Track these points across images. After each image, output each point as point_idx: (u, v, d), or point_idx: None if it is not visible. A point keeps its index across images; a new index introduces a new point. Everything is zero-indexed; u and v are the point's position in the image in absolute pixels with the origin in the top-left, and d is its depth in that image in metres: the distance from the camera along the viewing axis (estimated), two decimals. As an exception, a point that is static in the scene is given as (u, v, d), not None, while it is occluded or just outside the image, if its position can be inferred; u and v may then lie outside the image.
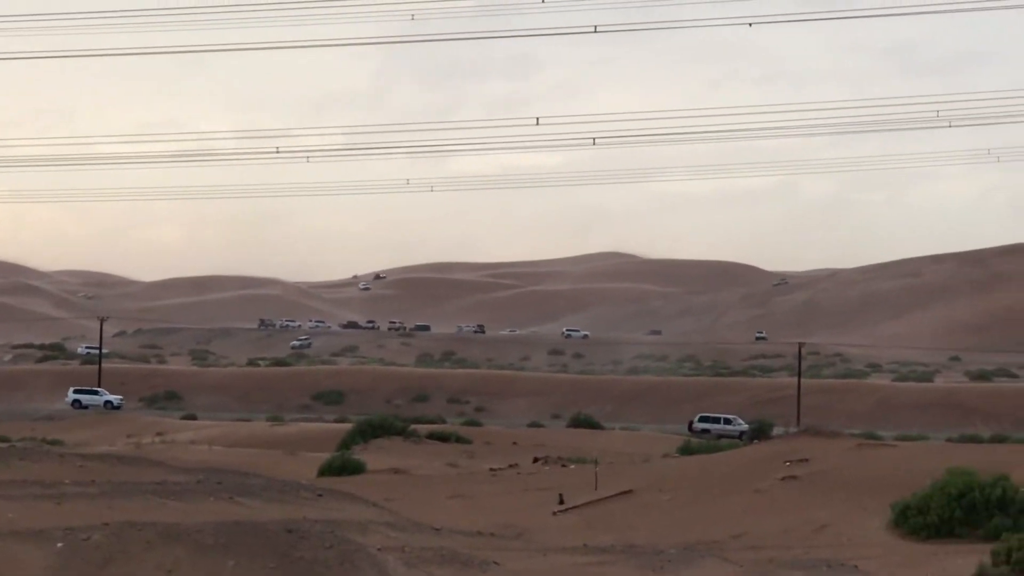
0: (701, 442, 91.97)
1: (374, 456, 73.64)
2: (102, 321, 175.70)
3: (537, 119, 63.78)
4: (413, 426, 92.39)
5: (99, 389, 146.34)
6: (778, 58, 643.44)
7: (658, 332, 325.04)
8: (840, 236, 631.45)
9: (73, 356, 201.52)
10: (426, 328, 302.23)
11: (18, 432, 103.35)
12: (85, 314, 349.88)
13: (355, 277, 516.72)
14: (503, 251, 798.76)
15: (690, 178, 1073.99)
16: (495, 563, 29.66)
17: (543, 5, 57.98)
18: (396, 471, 65.30)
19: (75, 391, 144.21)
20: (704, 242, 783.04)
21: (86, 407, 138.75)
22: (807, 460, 52.89)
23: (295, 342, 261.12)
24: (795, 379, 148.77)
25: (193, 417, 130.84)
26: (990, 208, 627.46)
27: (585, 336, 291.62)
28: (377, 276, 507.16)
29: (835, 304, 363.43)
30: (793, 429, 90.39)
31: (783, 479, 50.09)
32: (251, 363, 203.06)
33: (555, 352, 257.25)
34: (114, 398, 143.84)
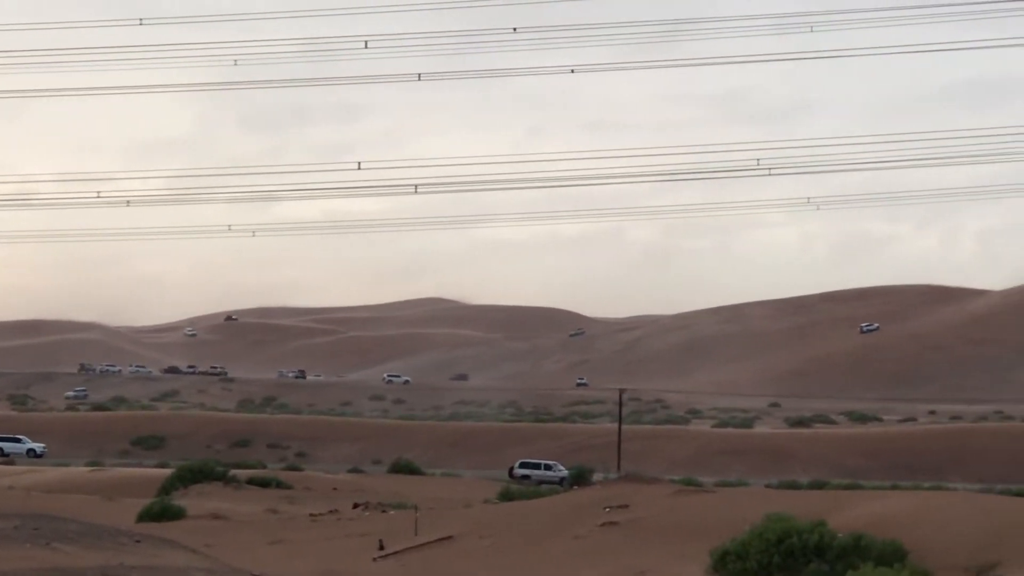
0: (521, 488, 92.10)
1: (194, 501, 72.83)
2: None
3: (359, 164, 63.66)
4: (233, 471, 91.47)
5: (21, 437, 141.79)
6: (603, 105, 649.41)
7: (464, 377, 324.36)
8: (665, 282, 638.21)
9: None
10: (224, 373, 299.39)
11: None
12: None
13: (191, 321, 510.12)
14: (326, 296, 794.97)
15: (514, 224, 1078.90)
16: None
17: (368, 51, 57.99)
18: (216, 516, 64.68)
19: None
20: (528, 288, 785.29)
21: (7, 455, 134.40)
22: (627, 506, 53.29)
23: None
24: (616, 425, 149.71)
25: (11, 462, 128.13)
26: (811, 255, 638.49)
27: (406, 381, 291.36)
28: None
29: (658, 350, 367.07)
30: (613, 475, 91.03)
31: (603, 525, 50.41)
32: (70, 408, 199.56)
33: (376, 397, 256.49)
34: (36, 446, 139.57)
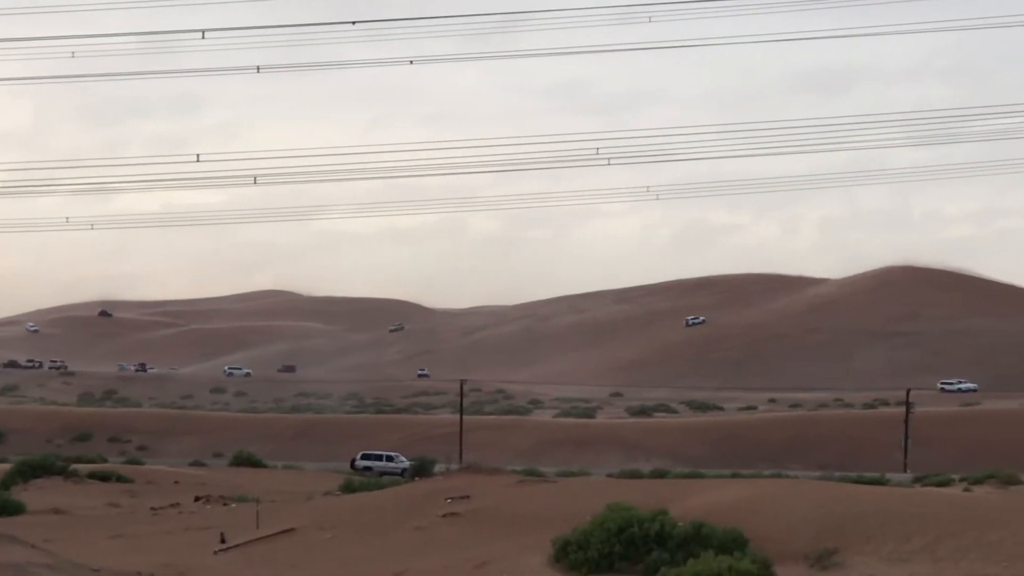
0: (363, 480, 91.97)
1: (34, 496, 71.84)
2: None
3: (198, 156, 63.11)
4: (74, 465, 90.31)
5: None
6: (443, 97, 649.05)
7: (292, 369, 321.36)
8: (507, 273, 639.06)
9: None
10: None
11: None
12: None
13: (32, 316, 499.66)
14: (166, 289, 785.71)
15: (355, 216, 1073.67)
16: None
17: (205, 43, 57.59)
18: (56, 511, 63.92)
19: None
20: (369, 280, 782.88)
21: None
22: (468, 497, 53.49)
23: None
24: (457, 416, 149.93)
25: None
26: (652, 245, 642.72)
27: (247, 374, 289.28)
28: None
29: (499, 341, 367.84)
30: (455, 466, 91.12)
31: (445, 516, 50.55)
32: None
33: (217, 390, 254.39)
34: None
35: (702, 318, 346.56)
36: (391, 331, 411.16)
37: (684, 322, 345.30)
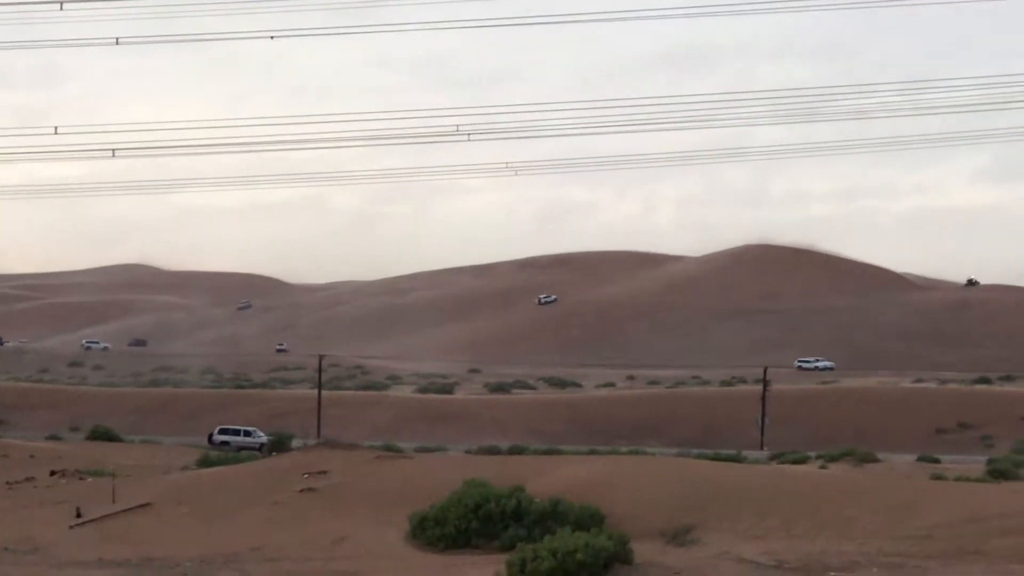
0: (221, 454, 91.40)
1: None
2: None
3: (56, 128, 62.21)
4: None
5: None
6: (306, 71, 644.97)
7: (142, 343, 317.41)
8: (368, 248, 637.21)
9: None
10: None
11: None
12: None
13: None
14: (22, 263, 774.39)
15: (215, 190, 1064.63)
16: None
17: (64, 14, 56.76)
18: (-97, 488, 62.82)
19: None
20: (231, 254, 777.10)
21: None
22: (326, 472, 53.38)
23: None
24: (315, 391, 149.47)
25: None
26: (512, 222, 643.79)
27: (105, 348, 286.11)
28: None
29: (359, 316, 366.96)
30: (312, 441, 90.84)
31: (302, 491, 50.40)
32: None
33: (75, 364, 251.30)
34: None
35: (554, 296, 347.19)
36: (239, 309, 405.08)
37: (536, 300, 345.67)
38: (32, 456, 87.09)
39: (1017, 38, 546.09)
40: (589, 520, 39.93)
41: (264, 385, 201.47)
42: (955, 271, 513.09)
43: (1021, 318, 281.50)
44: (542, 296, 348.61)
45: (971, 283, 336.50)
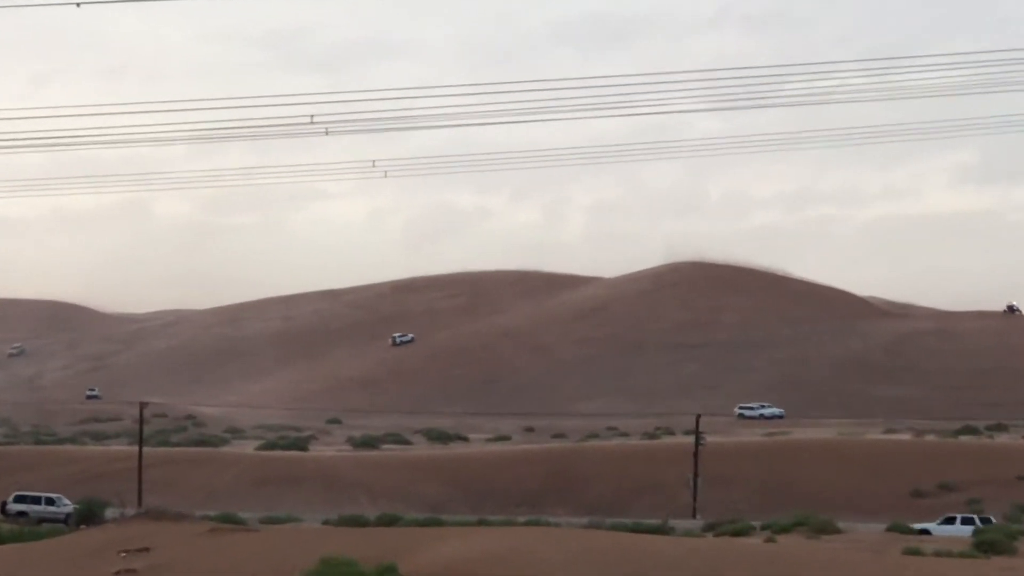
0: (16, 528, 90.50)
1: None
2: None
3: None
4: None
5: None
6: (126, 48, 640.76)
7: None
8: (200, 268, 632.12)
9: None
10: None
11: None
12: None
13: None
14: None
15: (8, 195, 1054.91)
16: None
17: None
18: None
19: None
20: (26, 276, 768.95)
21: None
22: (148, 550, 52.94)
23: None
24: (135, 447, 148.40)
25: None
26: (380, 234, 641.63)
27: None
28: None
29: (191, 354, 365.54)
30: (131, 511, 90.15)
31: (118, 574, 49.95)
32: None
33: None
34: None
35: (411, 336, 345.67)
36: (9, 355, 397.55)
37: (391, 340, 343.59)
38: None
39: (1008, 6, 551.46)
40: (479, 609, 39.83)
41: (71, 440, 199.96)
42: (932, 294, 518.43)
43: (1012, 352, 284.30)
44: (397, 335, 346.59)
45: (1012, 310, 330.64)
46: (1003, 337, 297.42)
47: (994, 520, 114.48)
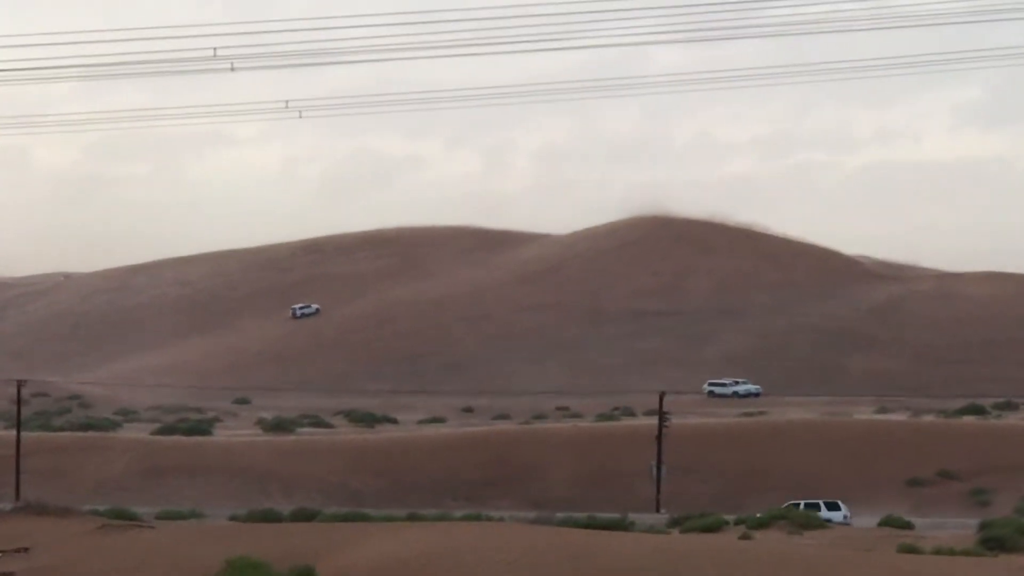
0: None
1: None
2: None
3: None
4: None
5: None
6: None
7: None
8: (85, 225, 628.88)
9: None
10: None
11: None
12: None
13: None
14: None
15: None
16: None
17: None
18: None
19: None
20: None
21: None
22: (27, 550, 52.92)
23: None
24: (12, 432, 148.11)
25: None
26: (294, 185, 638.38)
27: None
28: None
29: (75, 324, 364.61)
30: (9, 505, 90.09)
31: (-7, 579, 49.96)
32: None
33: None
34: None
35: (315, 307, 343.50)
36: None
37: (291, 312, 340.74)
38: None
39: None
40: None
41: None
42: (931, 253, 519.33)
43: (1023, 320, 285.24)
44: (297, 307, 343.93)
45: None
46: (1012, 303, 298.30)
47: (843, 507, 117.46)
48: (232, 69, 66.08)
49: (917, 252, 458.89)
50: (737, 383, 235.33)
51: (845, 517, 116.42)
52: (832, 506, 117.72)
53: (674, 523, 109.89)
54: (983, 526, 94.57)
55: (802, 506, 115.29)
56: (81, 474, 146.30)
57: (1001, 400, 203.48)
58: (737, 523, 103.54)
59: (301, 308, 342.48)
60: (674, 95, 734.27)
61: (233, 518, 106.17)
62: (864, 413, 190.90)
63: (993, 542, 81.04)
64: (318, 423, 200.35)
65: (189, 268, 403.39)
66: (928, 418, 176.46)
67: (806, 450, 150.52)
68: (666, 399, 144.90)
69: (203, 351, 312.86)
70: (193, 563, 46.06)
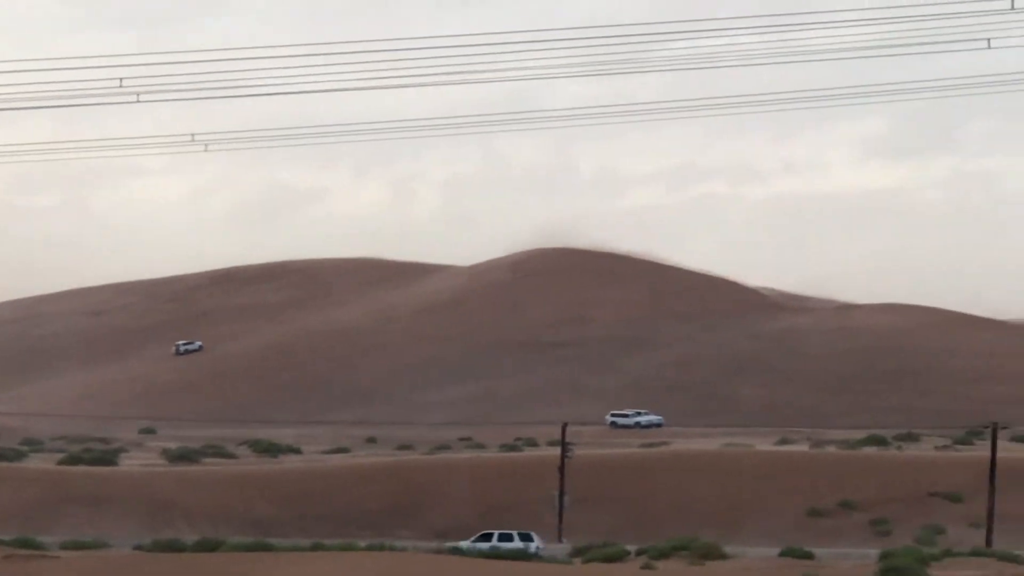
0: None
1: None
2: None
3: None
4: None
5: None
6: None
7: None
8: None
9: None
10: None
11: None
12: None
13: None
14: None
15: None
16: None
17: None
18: None
19: None
20: None
21: None
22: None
23: None
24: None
25: None
26: (202, 217, 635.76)
27: None
28: None
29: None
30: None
31: None
32: None
33: None
34: None
35: (197, 343, 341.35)
36: None
37: (174, 349, 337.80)
38: None
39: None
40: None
41: None
42: (834, 285, 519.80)
43: (923, 351, 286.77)
44: (181, 343, 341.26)
45: None
46: (913, 334, 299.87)
47: (535, 538, 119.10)
48: (138, 100, 65.89)
49: (820, 283, 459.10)
50: (639, 414, 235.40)
51: (537, 548, 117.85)
52: (525, 537, 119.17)
53: (576, 553, 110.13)
54: (883, 556, 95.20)
55: (496, 537, 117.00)
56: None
57: (902, 432, 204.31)
58: (639, 553, 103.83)
59: (184, 344, 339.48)
60: (579, 127, 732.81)
61: (137, 548, 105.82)
62: (765, 443, 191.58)
63: (893, 572, 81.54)
64: (222, 453, 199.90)
65: (97, 298, 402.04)
66: (829, 449, 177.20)
67: (707, 480, 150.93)
68: (569, 430, 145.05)
69: (110, 381, 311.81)
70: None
